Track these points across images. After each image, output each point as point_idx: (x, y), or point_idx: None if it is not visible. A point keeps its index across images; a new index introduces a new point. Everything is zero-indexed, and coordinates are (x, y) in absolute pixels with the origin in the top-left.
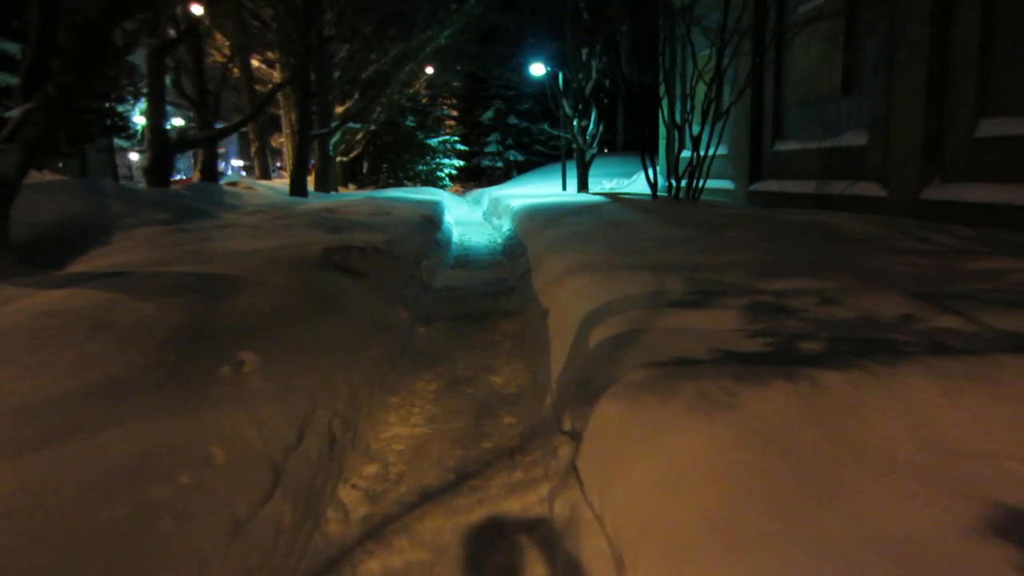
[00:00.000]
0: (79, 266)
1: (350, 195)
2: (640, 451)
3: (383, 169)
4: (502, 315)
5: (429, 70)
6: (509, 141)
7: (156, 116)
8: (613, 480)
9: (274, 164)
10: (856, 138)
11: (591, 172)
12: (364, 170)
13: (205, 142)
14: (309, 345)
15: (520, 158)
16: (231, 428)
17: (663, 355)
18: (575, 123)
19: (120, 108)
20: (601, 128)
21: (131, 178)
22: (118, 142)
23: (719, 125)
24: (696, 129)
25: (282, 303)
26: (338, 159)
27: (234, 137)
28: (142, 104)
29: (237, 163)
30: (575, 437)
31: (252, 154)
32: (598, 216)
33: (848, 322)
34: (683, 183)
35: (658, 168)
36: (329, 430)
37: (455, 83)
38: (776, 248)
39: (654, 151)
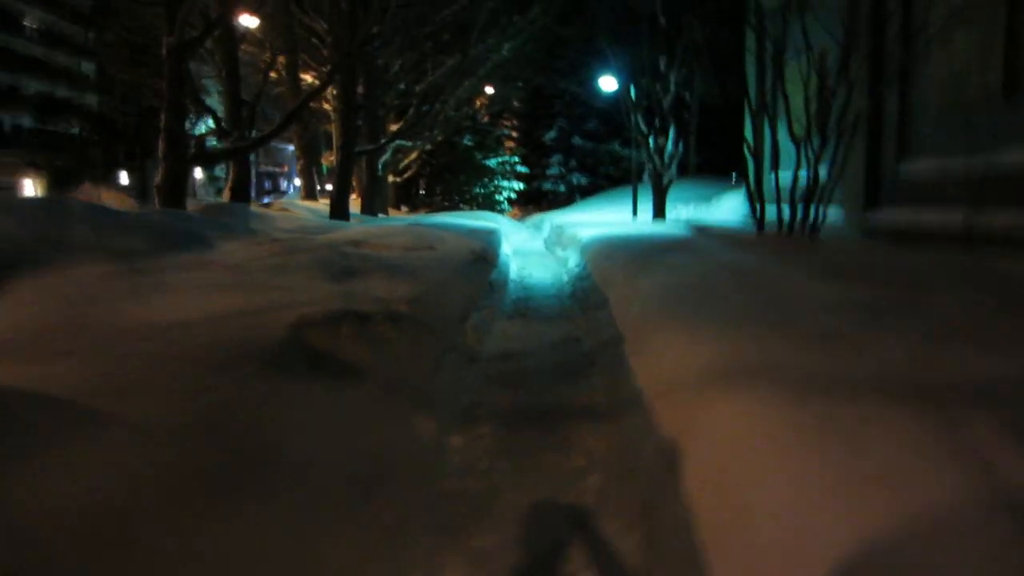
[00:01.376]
0: None
1: (398, 220)
2: None
3: (438, 191)
4: (582, 414)
5: (489, 90)
6: (573, 163)
7: (173, 125)
8: None
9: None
10: None
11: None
12: (420, 191)
13: (229, 156)
14: None
15: (584, 181)
16: None
17: None
18: (651, 141)
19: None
20: (681, 148)
21: (194, 195)
22: None
23: (844, 141)
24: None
25: (127, 489)
26: (391, 180)
27: (293, 157)
28: (208, 122)
29: (299, 183)
30: None
31: (297, 172)
32: (701, 257)
33: None
34: (772, 211)
35: (742, 195)
36: None
37: (516, 103)
38: None
39: (742, 174)
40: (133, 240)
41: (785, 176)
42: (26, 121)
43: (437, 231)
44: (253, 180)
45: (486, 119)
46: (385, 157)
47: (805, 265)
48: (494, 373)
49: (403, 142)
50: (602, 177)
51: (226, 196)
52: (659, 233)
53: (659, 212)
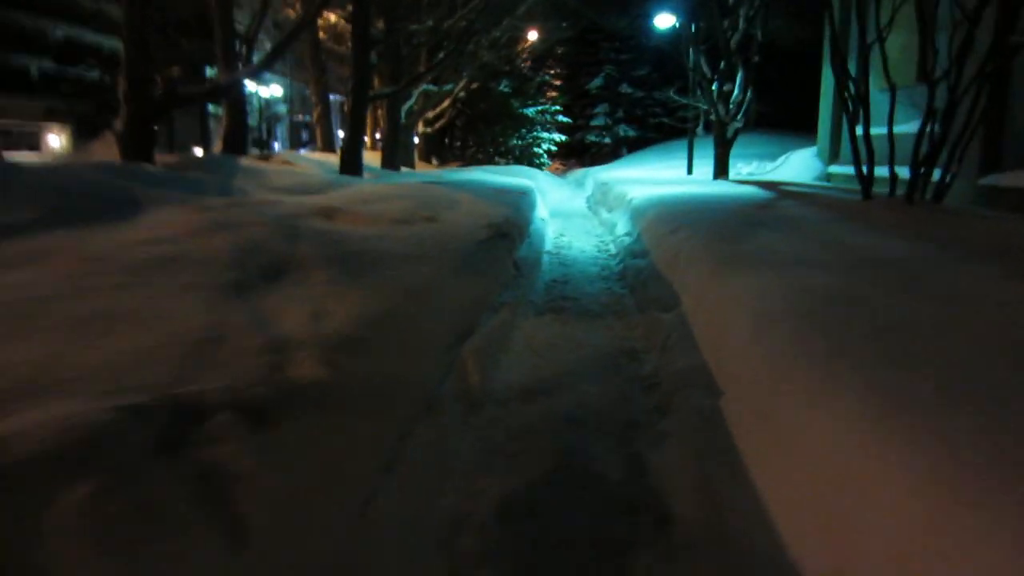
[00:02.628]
0: None
1: (419, 175)
2: None
3: (471, 143)
4: (664, 556)
5: (532, 34)
6: (620, 113)
7: (136, 61)
8: None
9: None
10: None
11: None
12: (456, 143)
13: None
14: None
15: (632, 134)
16: None
17: None
18: (714, 88)
19: (210, 72)
20: (749, 95)
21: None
22: (214, 109)
23: (985, 87)
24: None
25: None
26: (422, 130)
27: (335, 106)
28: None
29: (342, 133)
30: None
31: (314, 120)
32: (810, 237)
33: None
34: (875, 173)
35: (817, 150)
36: None
37: (559, 50)
38: None
39: (812, 125)
40: (18, 209)
41: (879, 129)
42: (51, 67)
43: (453, 192)
44: (287, 131)
45: (527, 64)
46: (409, 104)
47: (985, 253)
48: (504, 436)
49: (429, 86)
50: (652, 129)
51: (217, 147)
52: (730, 195)
53: (722, 169)
